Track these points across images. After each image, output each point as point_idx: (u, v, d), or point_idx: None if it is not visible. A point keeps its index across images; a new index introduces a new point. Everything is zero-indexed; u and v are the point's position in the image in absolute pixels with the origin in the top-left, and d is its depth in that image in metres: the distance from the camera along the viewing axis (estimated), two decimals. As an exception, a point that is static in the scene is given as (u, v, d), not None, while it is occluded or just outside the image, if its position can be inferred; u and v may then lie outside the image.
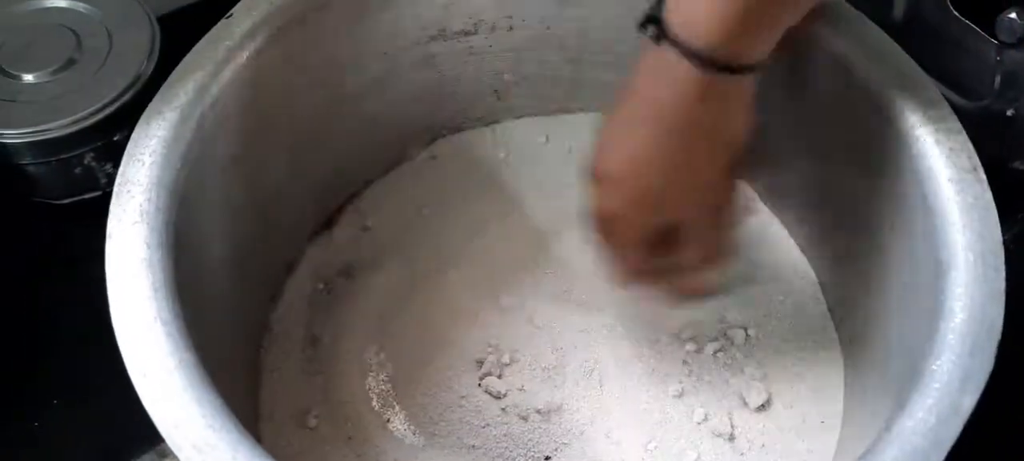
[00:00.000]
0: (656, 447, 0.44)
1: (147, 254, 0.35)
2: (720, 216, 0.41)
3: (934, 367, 0.34)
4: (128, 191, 0.37)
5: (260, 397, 0.45)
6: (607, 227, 0.41)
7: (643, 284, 0.44)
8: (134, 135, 0.39)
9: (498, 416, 0.45)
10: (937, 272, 0.37)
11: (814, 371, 0.46)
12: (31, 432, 0.45)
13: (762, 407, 0.45)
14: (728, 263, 0.43)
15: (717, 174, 0.39)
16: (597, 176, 0.40)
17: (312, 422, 0.45)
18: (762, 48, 0.36)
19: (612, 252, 0.42)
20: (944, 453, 0.32)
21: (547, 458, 0.44)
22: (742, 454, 0.44)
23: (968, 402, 0.33)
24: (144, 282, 0.35)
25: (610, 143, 0.39)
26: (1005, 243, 0.37)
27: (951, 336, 0.34)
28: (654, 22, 0.36)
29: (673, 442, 0.44)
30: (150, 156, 0.38)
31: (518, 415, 0.45)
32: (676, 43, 0.35)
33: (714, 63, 0.35)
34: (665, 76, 0.36)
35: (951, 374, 0.33)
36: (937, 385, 0.33)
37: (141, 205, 0.36)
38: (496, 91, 0.54)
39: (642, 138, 0.37)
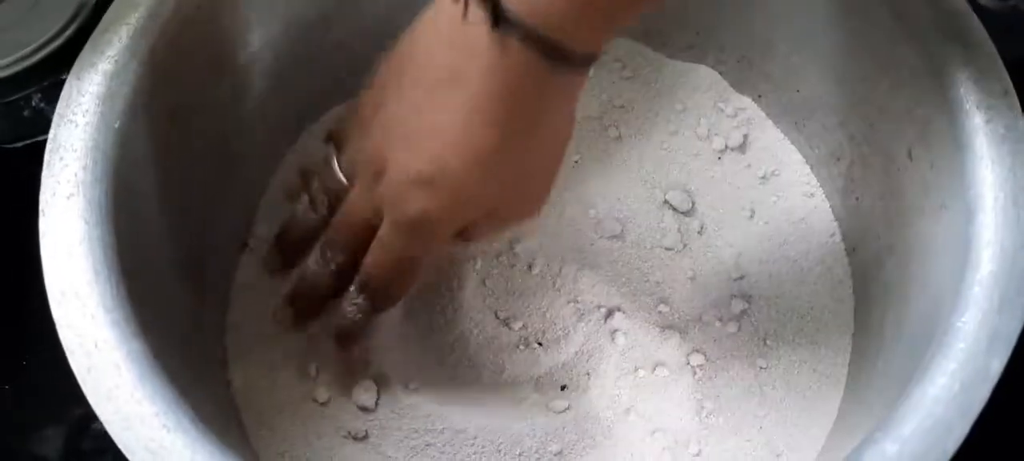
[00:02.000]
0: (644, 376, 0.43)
1: (86, 231, 0.32)
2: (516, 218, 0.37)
3: (959, 324, 0.31)
4: (61, 159, 0.33)
5: (229, 356, 0.43)
6: (420, 229, 0.35)
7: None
8: (64, 92, 0.35)
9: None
10: (964, 214, 0.33)
11: (825, 329, 0.44)
12: (24, 378, 0.45)
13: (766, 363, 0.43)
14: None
15: (546, 176, 0.35)
16: (415, 176, 0.34)
17: (282, 380, 0.43)
18: (609, 34, 0.32)
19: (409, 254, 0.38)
20: (969, 424, 0.29)
21: (563, 387, 0.43)
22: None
23: (996, 365, 0.30)
24: (83, 264, 0.31)
25: (429, 137, 0.33)
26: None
27: (977, 289, 0.31)
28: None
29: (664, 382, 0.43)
30: (83, 116, 0.34)
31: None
32: (520, 26, 0.30)
33: (561, 53, 0.30)
34: (503, 64, 0.31)
35: (978, 333, 0.30)
36: (962, 345, 0.30)
37: (76, 174, 0.33)
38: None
39: (481, 136, 0.32)
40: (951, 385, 0.30)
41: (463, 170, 0.33)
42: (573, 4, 0.30)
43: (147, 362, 0.30)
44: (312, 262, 0.40)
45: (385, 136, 0.35)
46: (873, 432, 0.30)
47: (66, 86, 0.35)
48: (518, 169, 0.34)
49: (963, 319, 0.31)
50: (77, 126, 0.34)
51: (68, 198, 0.32)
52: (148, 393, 0.30)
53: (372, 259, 0.38)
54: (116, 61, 0.35)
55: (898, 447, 0.29)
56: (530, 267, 0.46)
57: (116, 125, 0.34)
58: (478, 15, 0.30)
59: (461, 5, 0.31)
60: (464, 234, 0.36)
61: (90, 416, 0.43)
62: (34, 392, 0.44)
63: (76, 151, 0.33)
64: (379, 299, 0.40)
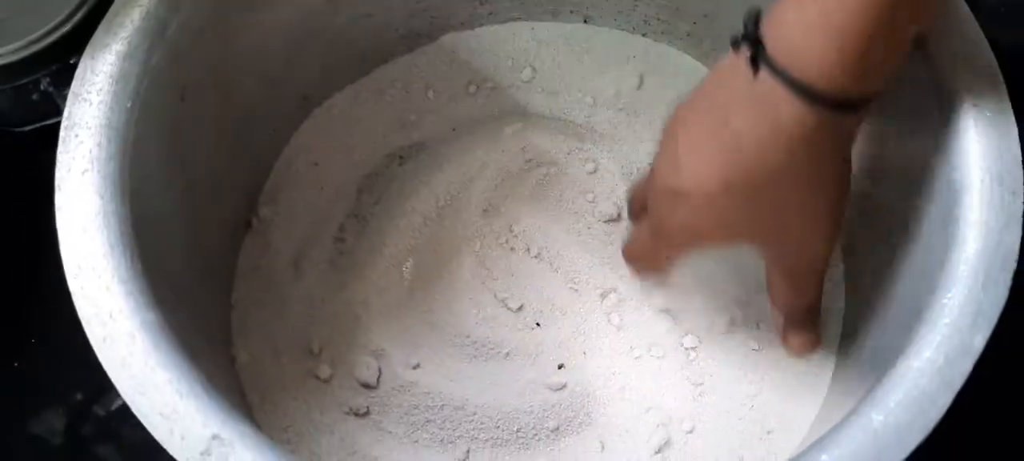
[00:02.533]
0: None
1: (101, 205, 0.33)
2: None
3: (944, 301, 0.32)
4: (76, 136, 0.34)
5: (233, 333, 0.44)
6: (673, 239, 0.38)
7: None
8: (78, 72, 0.36)
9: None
10: (951, 194, 0.34)
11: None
12: (26, 362, 0.45)
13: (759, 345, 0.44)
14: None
15: (827, 216, 0.35)
16: (674, 190, 0.36)
17: (285, 357, 0.44)
18: (878, 80, 0.31)
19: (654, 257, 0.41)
20: (952, 396, 0.30)
21: (560, 366, 0.44)
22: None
23: (979, 340, 0.31)
24: (99, 238, 0.32)
25: (694, 161, 0.35)
26: (1025, 137, 0.34)
27: (963, 267, 0.32)
28: (750, 43, 0.32)
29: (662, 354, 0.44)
30: (98, 95, 0.35)
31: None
32: (781, 74, 0.31)
33: (826, 100, 0.31)
34: (765, 109, 0.32)
35: (962, 309, 0.31)
36: (947, 321, 0.31)
37: (91, 151, 0.34)
38: (477, -4, 0.51)
39: (742, 167, 0.33)
40: (935, 358, 0.31)
41: (718, 194, 0.34)
42: (842, 57, 0.30)
43: (160, 331, 0.31)
44: None
45: (663, 167, 0.37)
46: (860, 404, 0.31)
47: (80, 66, 0.36)
48: (786, 205, 0.34)
49: (949, 295, 0.32)
50: (91, 105, 0.35)
51: (83, 174, 0.33)
52: (161, 360, 0.31)
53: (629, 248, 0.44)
54: (129, 42, 0.36)
55: (883, 417, 0.30)
56: (528, 249, 0.47)
57: (129, 104, 0.35)
58: (763, 75, 0.31)
59: (743, 58, 0.32)
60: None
61: (91, 401, 0.44)
62: (36, 376, 0.45)
63: (90, 129, 0.34)
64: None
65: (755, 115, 0.32)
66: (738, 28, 0.33)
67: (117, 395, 0.42)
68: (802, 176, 0.33)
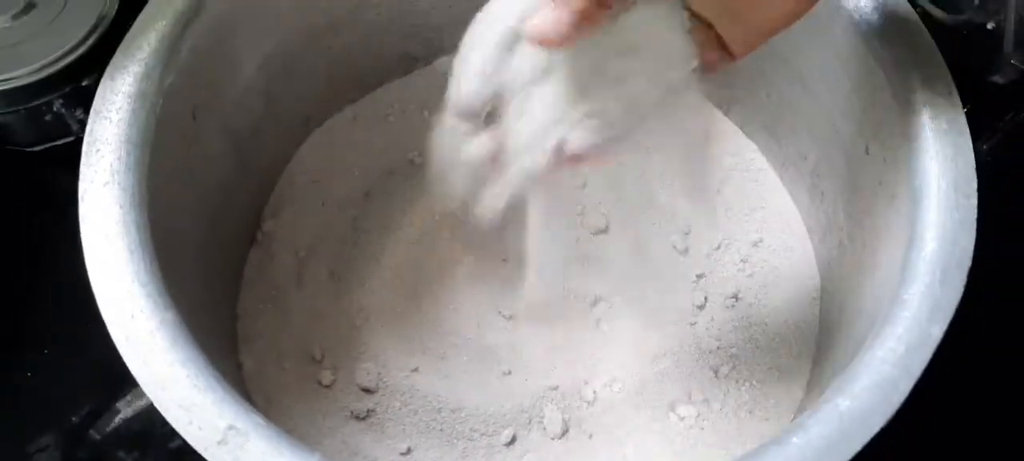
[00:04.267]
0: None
1: (121, 215, 0.35)
2: None
3: (905, 296, 0.34)
4: (97, 150, 0.36)
5: (239, 341, 0.46)
6: None
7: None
8: (99, 91, 0.38)
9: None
10: (911, 200, 0.37)
11: (795, 311, 0.47)
12: (24, 383, 0.45)
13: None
14: None
15: None
16: None
17: (290, 363, 0.45)
18: None
19: None
20: (912, 382, 0.32)
21: (552, 371, 0.46)
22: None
23: (936, 331, 0.33)
24: (120, 244, 0.34)
25: None
26: (982, 155, 0.37)
27: (922, 265, 0.35)
28: None
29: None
30: (117, 113, 0.37)
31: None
32: None
33: None
34: None
35: (921, 304, 0.34)
36: (907, 314, 0.34)
37: (111, 164, 0.36)
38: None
39: None
40: (897, 348, 0.33)
41: None
42: None
43: (178, 330, 0.33)
44: None
45: None
46: (828, 390, 0.33)
47: (100, 86, 0.38)
48: None
49: (909, 291, 0.34)
50: (111, 122, 0.37)
51: (104, 185, 0.36)
52: (180, 357, 0.33)
53: None
54: (145, 63, 0.38)
55: (849, 402, 0.32)
56: (521, 259, 0.49)
57: (145, 121, 0.38)
58: None
59: None
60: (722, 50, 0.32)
61: (86, 425, 0.45)
62: (33, 397, 0.45)
63: (110, 144, 0.37)
64: None
65: None
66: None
67: (111, 420, 0.44)
68: None
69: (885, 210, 0.40)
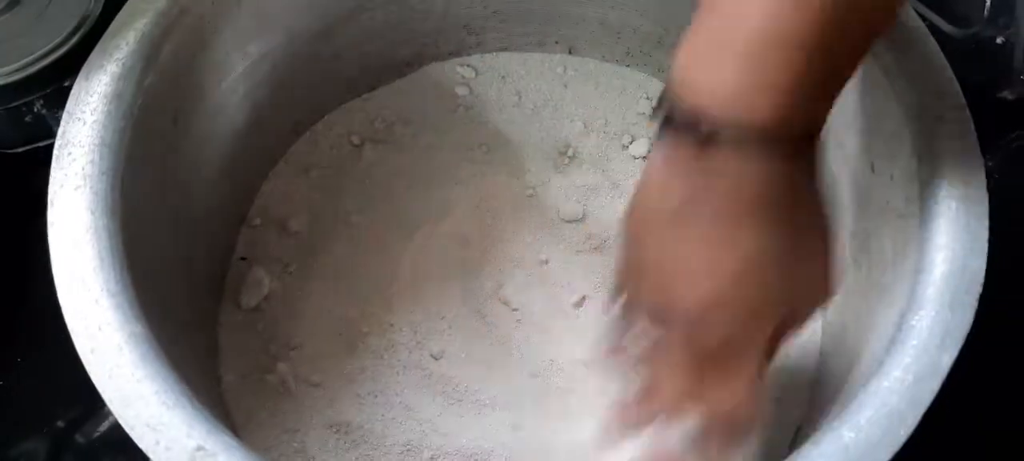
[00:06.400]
0: None
1: (91, 221, 0.33)
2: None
3: (913, 322, 0.33)
4: (69, 153, 0.35)
5: (219, 355, 0.44)
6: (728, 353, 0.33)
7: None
8: (73, 91, 0.36)
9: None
10: (920, 221, 0.35)
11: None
12: (9, 387, 0.44)
13: None
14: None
15: (822, 255, 0.32)
16: (686, 313, 0.32)
17: (271, 377, 0.44)
18: (825, 109, 0.30)
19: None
20: (920, 414, 0.31)
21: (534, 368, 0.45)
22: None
23: (947, 359, 0.32)
24: (89, 252, 0.33)
25: (697, 266, 0.31)
26: (990, 170, 0.35)
27: (931, 289, 0.33)
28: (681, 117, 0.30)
29: None
30: (91, 114, 0.36)
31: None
32: (733, 129, 0.29)
33: (779, 140, 0.29)
34: (738, 173, 0.29)
35: (931, 330, 0.32)
36: (916, 341, 0.32)
37: (83, 168, 0.34)
38: (466, 26, 0.52)
39: (741, 246, 0.30)
40: (904, 377, 0.31)
41: (742, 282, 0.31)
42: (779, 94, 0.28)
43: (148, 344, 0.32)
44: None
45: (659, 286, 0.33)
46: (832, 420, 0.31)
47: (75, 86, 0.37)
48: (791, 259, 0.31)
49: (917, 317, 0.33)
50: (85, 124, 0.36)
51: (75, 190, 0.34)
52: (148, 372, 0.31)
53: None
54: (123, 63, 0.37)
55: (854, 434, 0.30)
56: (516, 266, 0.48)
57: (122, 124, 0.36)
58: (687, 138, 0.29)
59: (669, 134, 0.30)
60: (773, 344, 0.33)
61: (71, 429, 0.44)
62: (18, 401, 0.45)
63: (83, 147, 0.35)
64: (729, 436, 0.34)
65: (723, 194, 0.30)
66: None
67: (98, 425, 0.43)
68: (790, 215, 0.31)
69: (892, 231, 0.38)
